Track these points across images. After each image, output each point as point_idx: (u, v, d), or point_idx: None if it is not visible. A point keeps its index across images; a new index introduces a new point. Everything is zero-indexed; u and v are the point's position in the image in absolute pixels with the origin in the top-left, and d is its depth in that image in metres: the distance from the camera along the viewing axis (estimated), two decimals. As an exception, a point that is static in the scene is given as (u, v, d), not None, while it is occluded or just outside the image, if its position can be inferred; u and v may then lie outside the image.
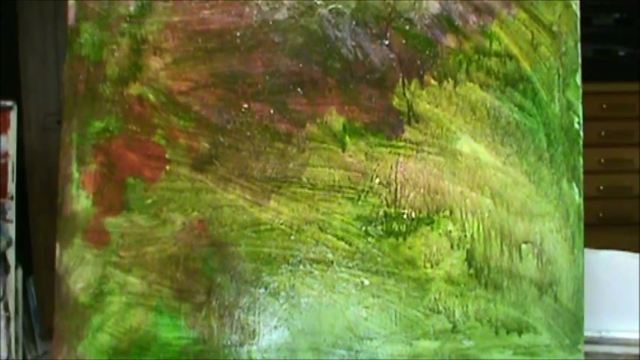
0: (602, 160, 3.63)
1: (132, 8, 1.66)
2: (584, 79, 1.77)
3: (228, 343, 1.61)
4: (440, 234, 1.62)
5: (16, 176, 3.07)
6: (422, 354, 1.61)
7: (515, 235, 1.66)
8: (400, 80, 1.61)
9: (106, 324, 1.69)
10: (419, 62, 1.61)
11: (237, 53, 1.61)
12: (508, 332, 1.66)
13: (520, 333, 1.67)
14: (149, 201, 1.64)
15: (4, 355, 2.89)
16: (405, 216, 1.60)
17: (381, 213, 1.60)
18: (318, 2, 1.59)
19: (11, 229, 3.01)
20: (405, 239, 1.60)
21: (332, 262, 1.60)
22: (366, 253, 1.60)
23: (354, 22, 1.60)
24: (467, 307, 1.63)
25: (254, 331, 1.61)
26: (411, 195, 1.61)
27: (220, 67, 1.61)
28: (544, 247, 1.69)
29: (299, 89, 1.60)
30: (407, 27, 1.61)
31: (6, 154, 3.02)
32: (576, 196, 1.75)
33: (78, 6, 1.77)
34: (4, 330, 2.89)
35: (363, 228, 1.60)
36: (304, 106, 1.60)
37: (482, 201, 1.64)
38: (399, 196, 1.60)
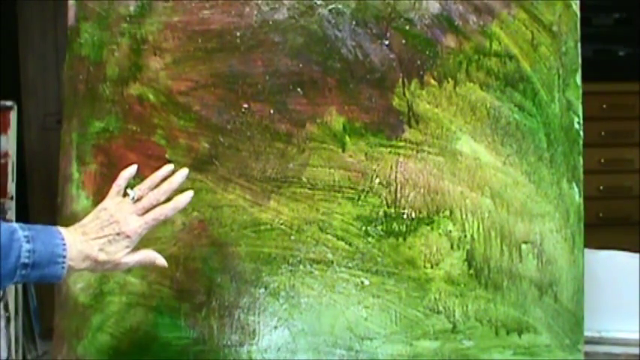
0: (602, 160, 3.63)
1: (132, 8, 1.66)
2: (584, 79, 1.77)
3: (228, 343, 1.61)
4: (440, 234, 1.62)
5: (16, 176, 3.07)
6: (422, 354, 1.61)
7: (515, 235, 1.66)
8: (400, 80, 1.61)
9: (106, 324, 1.69)
10: (419, 62, 1.61)
11: (237, 53, 1.60)
12: (508, 332, 1.66)
13: (520, 333, 1.67)
14: (149, 201, 1.64)
15: (4, 355, 2.89)
16: (405, 216, 1.60)
17: (381, 213, 1.60)
18: (318, 2, 1.59)
19: (11, 229, 3.01)
20: (405, 239, 1.60)
21: (332, 262, 1.60)
22: (366, 253, 1.60)
23: (354, 22, 1.60)
24: (467, 307, 1.63)
25: (254, 331, 1.61)
26: (411, 195, 1.61)
27: (220, 67, 1.61)
28: (544, 247, 1.69)
29: (299, 89, 1.60)
30: (407, 27, 1.61)
31: (6, 154, 3.02)
32: (576, 196, 1.75)
33: (78, 6, 1.77)
34: (4, 330, 2.89)
35: (363, 228, 1.60)
36: (304, 106, 1.60)
37: (483, 201, 1.64)
38: (399, 196, 1.60)
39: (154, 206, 1.38)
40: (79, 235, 1.33)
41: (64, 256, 1.28)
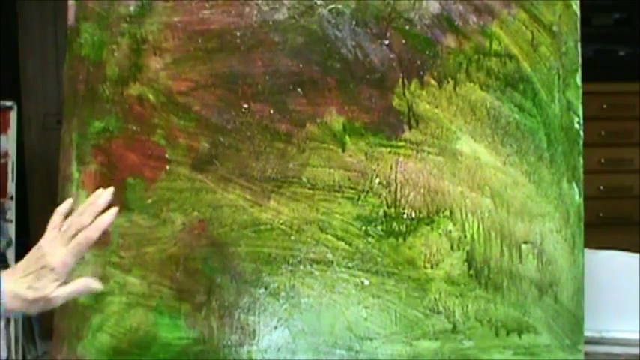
0: (602, 160, 3.63)
1: (132, 8, 1.66)
2: (584, 79, 1.77)
3: (228, 343, 1.61)
4: (440, 234, 1.62)
5: (16, 176, 3.07)
6: (422, 354, 1.61)
7: (515, 236, 1.66)
8: (400, 80, 1.60)
9: (106, 324, 1.69)
10: (419, 62, 1.61)
11: (237, 53, 1.60)
12: (508, 332, 1.66)
13: (520, 333, 1.67)
14: (149, 201, 1.64)
15: (4, 355, 2.89)
16: (405, 216, 1.60)
17: (381, 213, 1.60)
18: (318, 2, 1.59)
19: (11, 229, 3.02)
20: (405, 239, 1.60)
21: (332, 262, 1.60)
22: (366, 253, 1.60)
23: (354, 22, 1.60)
24: (467, 307, 1.63)
25: (254, 331, 1.61)
26: (411, 195, 1.61)
27: (220, 67, 1.61)
28: (544, 247, 1.69)
29: (299, 89, 1.60)
30: (407, 27, 1.61)
31: (6, 154, 3.02)
32: (576, 196, 1.75)
33: (78, 6, 1.77)
34: (4, 330, 2.88)
35: (363, 228, 1.60)
36: (304, 106, 1.60)
37: (482, 201, 1.63)
38: (399, 196, 1.60)
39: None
40: (8, 275, 1.30)
41: None
